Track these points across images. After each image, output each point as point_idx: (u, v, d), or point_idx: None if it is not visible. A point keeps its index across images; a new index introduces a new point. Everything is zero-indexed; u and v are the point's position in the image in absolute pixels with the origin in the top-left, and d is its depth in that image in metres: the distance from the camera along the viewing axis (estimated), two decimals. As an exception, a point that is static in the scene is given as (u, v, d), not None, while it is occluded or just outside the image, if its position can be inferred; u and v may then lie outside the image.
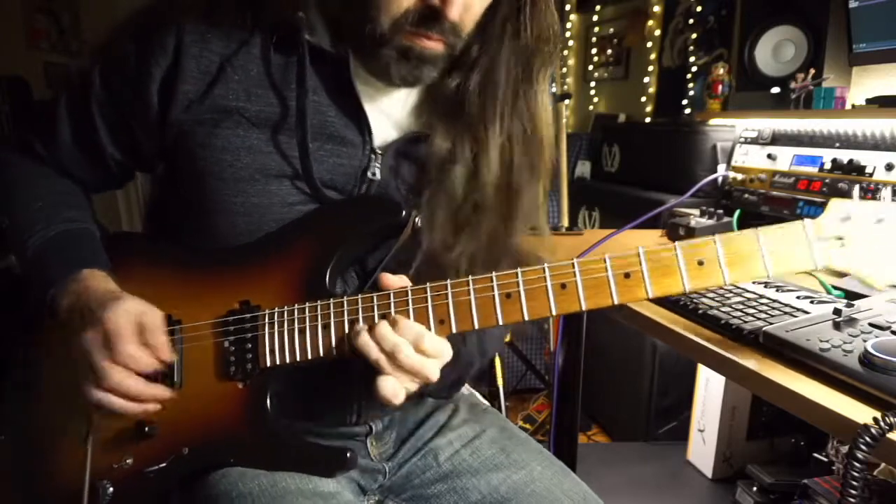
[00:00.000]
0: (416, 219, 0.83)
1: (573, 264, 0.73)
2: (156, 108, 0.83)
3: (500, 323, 0.74)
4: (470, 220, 0.86)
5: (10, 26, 4.13)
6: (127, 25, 0.85)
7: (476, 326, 0.75)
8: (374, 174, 0.85)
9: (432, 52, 0.79)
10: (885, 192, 0.71)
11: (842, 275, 1.14)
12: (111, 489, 0.81)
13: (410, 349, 0.73)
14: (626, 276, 0.72)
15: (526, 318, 0.74)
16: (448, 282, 0.75)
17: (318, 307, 0.79)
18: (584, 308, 0.72)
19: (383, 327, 0.74)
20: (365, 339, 0.74)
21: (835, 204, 0.73)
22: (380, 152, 0.85)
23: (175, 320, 0.84)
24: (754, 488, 1.67)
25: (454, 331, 0.76)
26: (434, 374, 0.75)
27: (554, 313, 0.73)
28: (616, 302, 0.72)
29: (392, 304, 0.76)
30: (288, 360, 0.80)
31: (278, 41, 0.83)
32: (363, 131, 0.85)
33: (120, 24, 0.86)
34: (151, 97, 0.82)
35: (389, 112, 0.88)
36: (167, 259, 0.87)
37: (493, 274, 0.74)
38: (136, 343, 0.77)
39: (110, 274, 0.85)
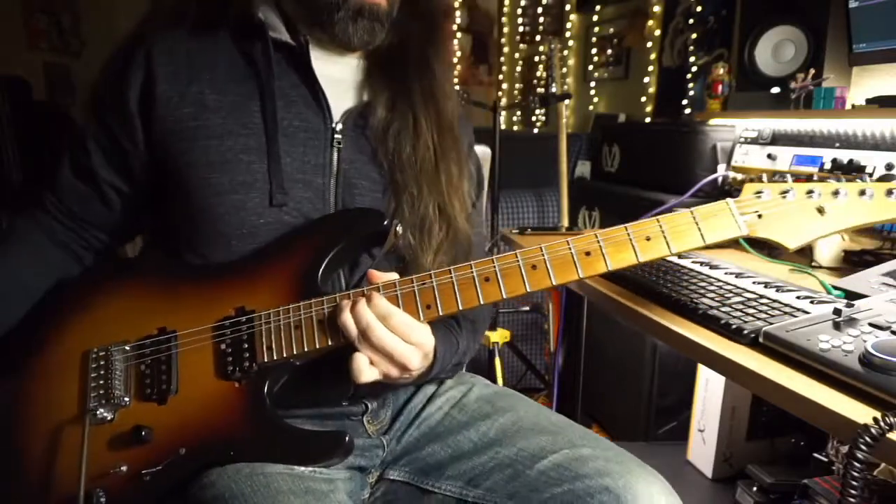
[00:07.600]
0: (398, 227, 0.91)
1: (541, 248, 0.83)
2: (136, 115, 0.90)
3: (481, 302, 0.82)
4: (426, 183, 0.95)
5: (10, 26, 4.13)
6: (107, 65, 0.94)
7: (460, 307, 0.82)
8: (338, 142, 0.94)
9: (379, 7, 0.93)
10: (788, 178, 0.87)
11: (841, 274, 1.14)
12: (103, 497, 0.81)
13: (383, 329, 0.79)
14: (587, 253, 0.83)
15: (504, 295, 0.82)
16: (433, 271, 0.84)
17: (312, 304, 0.84)
18: (553, 283, 0.83)
19: (361, 304, 0.81)
20: (346, 317, 0.81)
21: (749, 185, 0.88)
22: (340, 125, 0.95)
23: (170, 331, 0.86)
24: (754, 488, 1.67)
25: (441, 313, 0.83)
26: (412, 361, 0.81)
27: (528, 290, 0.83)
28: (581, 275, 0.82)
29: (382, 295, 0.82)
30: (285, 354, 0.83)
31: (241, 38, 0.94)
32: (323, 108, 0.94)
33: (102, 67, 0.95)
34: (130, 104, 0.90)
35: (344, 86, 0.99)
36: (161, 275, 0.92)
37: (472, 262, 0.83)
38: None
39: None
